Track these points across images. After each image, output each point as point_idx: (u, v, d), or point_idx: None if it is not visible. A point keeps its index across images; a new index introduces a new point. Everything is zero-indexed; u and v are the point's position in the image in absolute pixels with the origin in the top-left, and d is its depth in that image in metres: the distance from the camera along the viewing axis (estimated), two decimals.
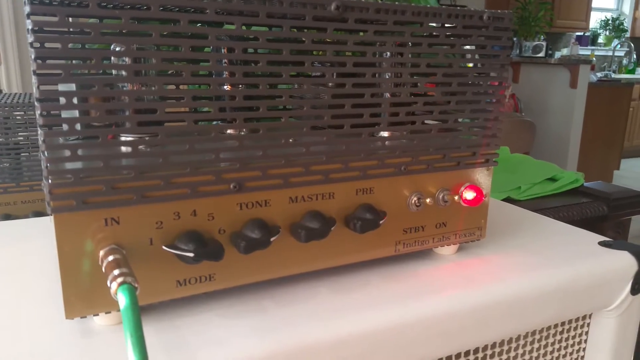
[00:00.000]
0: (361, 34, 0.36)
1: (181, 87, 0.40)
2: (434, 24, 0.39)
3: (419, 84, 0.41)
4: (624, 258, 0.47)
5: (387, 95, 0.41)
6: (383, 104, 0.39)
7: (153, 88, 0.30)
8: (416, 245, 0.42)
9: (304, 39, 0.33)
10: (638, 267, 0.47)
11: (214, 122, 0.34)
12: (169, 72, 0.31)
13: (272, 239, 0.32)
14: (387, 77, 0.40)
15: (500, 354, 0.43)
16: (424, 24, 0.38)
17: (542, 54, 3.68)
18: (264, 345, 0.30)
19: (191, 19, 0.30)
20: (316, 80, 0.36)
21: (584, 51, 4.70)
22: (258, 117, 0.33)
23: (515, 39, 3.74)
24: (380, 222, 0.38)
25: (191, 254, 0.29)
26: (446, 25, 0.40)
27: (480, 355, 0.42)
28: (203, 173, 0.31)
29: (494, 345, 0.42)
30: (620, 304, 0.47)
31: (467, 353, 0.41)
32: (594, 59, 4.41)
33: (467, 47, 0.42)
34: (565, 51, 4.24)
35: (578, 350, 0.49)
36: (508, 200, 0.97)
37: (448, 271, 0.42)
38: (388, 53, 0.39)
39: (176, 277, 0.31)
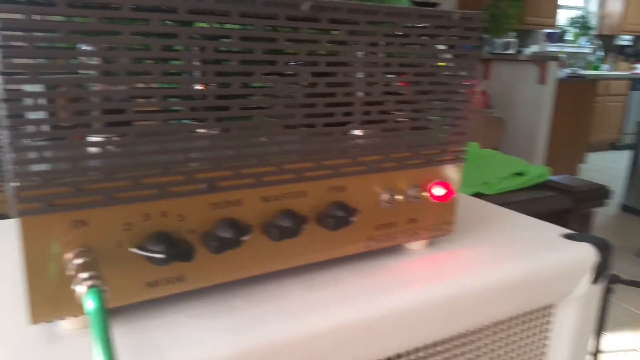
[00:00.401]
0: (336, 32, 0.36)
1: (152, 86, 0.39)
2: (405, 24, 0.40)
3: (390, 83, 0.42)
4: (585, 249, 0.48)
5: (360, 94, 0.41)
6: (355, 103, 0.39)
7: (122, 88, 0.29)
8: (387, 241, 0.43)
9: (276, 38, 0.33)
10: (598, 258, 0.49)
11: (186, 122, 0.34)
12: (140, 71, 0.31)
13: (243, 239, 0.32)
14: (359, 76, 0.41)
15: (468, 344, 0.44)
16: (395, 24, 0.39)
17: (512, 51, 3.75)
18: (236, 344, 0.30)
19: (162, 18, 0.30)
20: (289, 79, 0.36)
21: (553, 48, 4.80)
22: (230, 117, 0.33)
23: (486, 35, 3.80)
24: (352, 219, 0.38)
25: (160, 256, 0.29)
26: (417, 25, 0.41)
27: (448, 345, 0.43)
28: (173, 173, 0.31)
29: (462, 336, 0.43)
30: (581, 293, 0.49)
31: (436, 344, 0.42)
32: (565, 55, 4.52)
33: (438, 46, 0.43)
34: (534, 48, 4.33)
35: (542, 339, 0.50)
36: (478, 194, 0.99)
37: (418, 265, 0.43)
38: (360, 52, 0.40)
39: (146, 278, 0.31)
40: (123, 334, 0.30)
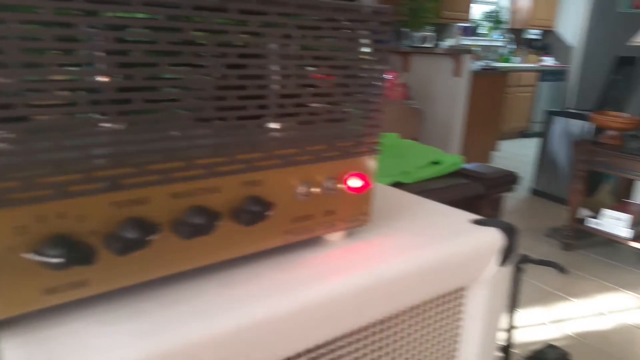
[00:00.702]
0: (250, 23, 0.35)
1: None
2: (317, 17, 0.40)
3: (305, 76, 0.42)
4: (493, 234, 0.51)
5: (275, 86, 0.41)
6: (270, 96, 0.38)
7: (13, 80, 0.27)
8: (305, 233, 0.43)
9: (181, 28, 0.32)
10: (505, 241, 0.51)
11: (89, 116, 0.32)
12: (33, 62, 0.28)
13: (150, 238, 0.31)
14: (274, 68, 0.40)
15: (385, 330, 0.45)
16: (307, 17, 0.39)
17: (430, 44, 3.88)
18: (146, 348, 0.29)
19: (58, 7, 0.28)
20: (200, 70, 0.35)
21: (468, 41, 5.02)
22: (137, 110, 0.31)
23: (405, 29, 3.90)
24: (267, 213, 0.38)
25: (58, 260, 0.27)
26: (328, 18, 0.41)
27: (367, 333, 0.43)
28: (71, 172, 0.29)
29: (380, 322, 0.44)
30: (490, 275, 0.52)
31: (354, 332, 0.42)
32: (479, 49, 4.74)
33: (351, 39, 0.43)
34: (450, 41, 4.50)
35: (456, 320, 0.53)
36: (397, 184, 1.02)
37: (336, 257, 0.43)
38: (273, 44, 0.39)
39: (44, 285, 0.29)
40: (18, 345, 0.28)
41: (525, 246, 2.49)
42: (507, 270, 0.54)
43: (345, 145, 0.44)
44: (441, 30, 4.48)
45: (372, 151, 0.46)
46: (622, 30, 2.73)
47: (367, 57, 0.44)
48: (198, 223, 0.34)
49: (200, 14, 0.33)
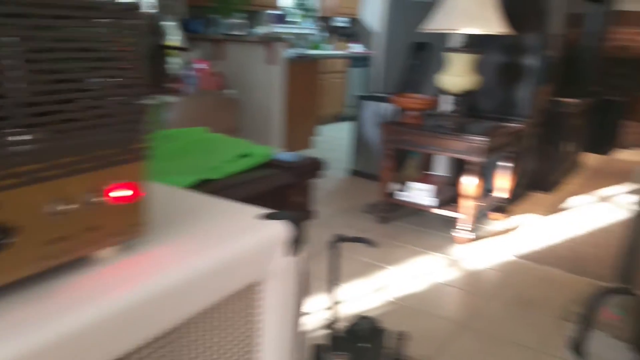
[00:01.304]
0: None
1: None
2: (54, 14, 0.36)
3: (46, 81, 0.37)
4: (279, 227, 0.52)
5: (11, 94, 0.36)
6: (3, 105, 0.33)
7: None
8: (66, 255, 0.39)
9: None
10: (293, 232, 0.53)
11: None
12: None
13: None
14: (10, 74, 0.35)
15: (175, 341, 0.43)
16: (43, 17, 0.35)
17: (242, 32, 3.89)
18: None
19: None
20: None
21: (280, 29, 5.13)
22: None
23: (215, 16, 3.85)
24: (8, 240, 0.33)
25: None
26: (66, 16, 0.37)
27: (150, 350, 0.41)
28: None
29: (166, 335, 0.42)
30: (281, 267, 0.53)
31: (134, 352, 0.40)
32: (292, 37, 4.87)
33: (100, 38, 0.39)
34: (263, 29, 4.57)
35: (254, 314, 0.53)
36: (206, 180, 1.00)
37: (106, 275, 0.40)
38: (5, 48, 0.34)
39: None
40: None
41: (346, 223, 2.65)
42: (298, 259, 0.56)
43: (104, 154, 0.40)
44: (252, 17, 4.51)
45: (139, 157, 0.43)
46: (416, 18, 3.02)
47: (123, 55, 0.41)
48: None
49: None
